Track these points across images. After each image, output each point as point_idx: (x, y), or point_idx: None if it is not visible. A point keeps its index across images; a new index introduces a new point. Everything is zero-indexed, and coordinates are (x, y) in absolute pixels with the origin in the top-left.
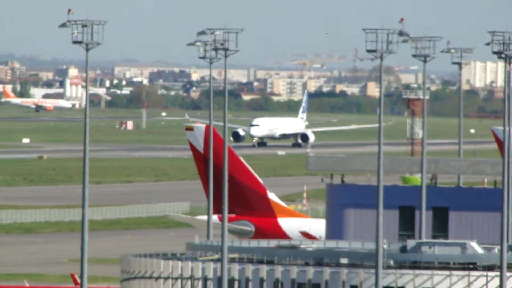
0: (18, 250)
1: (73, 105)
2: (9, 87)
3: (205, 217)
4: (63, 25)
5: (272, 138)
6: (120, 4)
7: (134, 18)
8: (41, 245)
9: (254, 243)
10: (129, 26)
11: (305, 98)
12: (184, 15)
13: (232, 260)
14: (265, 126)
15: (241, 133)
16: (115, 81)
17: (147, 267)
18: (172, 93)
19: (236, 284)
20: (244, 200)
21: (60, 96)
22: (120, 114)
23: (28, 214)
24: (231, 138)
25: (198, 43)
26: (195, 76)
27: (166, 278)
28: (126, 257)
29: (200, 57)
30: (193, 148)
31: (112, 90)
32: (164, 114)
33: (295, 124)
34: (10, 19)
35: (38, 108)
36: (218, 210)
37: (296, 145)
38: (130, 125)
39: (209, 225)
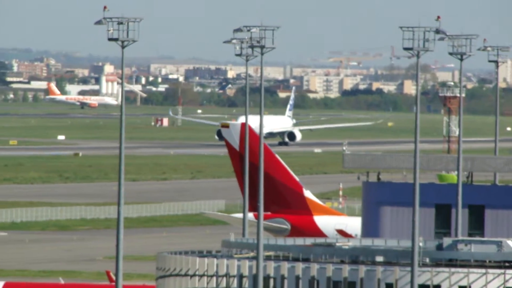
0: (54, 247)
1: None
2: (53, 85)
3: (240, 215)
4: (99, 22)
5: None
6: (156, 1)
7: (170, 15)
8: (77, 243)
9: (290, 241)
10: (165, 23)
11: (292, 95)
12: (221, 13)
13: (267, 258)
14: (252, 124)
15: None
16: (151, 78)
17: (182, 264)
18: (208, 90)
19: (271, 281)
20: (280, 197)
21: (96, 93)
22: (156, 111)
23: (63, 211)
24: (216, 136)
25: (234, 41)
26: (231, 74)
27: (201, 276)
28: (162, 255)
29: (236, 55)
30: (228, 146)
31: (147, 87)
32: (199, 111)
33: (282, 122)
34: (46, 16)
35: (83, 105)
36: (253, 207)
37: (282, 143)
38: (165, 122)
39: (245, 223)
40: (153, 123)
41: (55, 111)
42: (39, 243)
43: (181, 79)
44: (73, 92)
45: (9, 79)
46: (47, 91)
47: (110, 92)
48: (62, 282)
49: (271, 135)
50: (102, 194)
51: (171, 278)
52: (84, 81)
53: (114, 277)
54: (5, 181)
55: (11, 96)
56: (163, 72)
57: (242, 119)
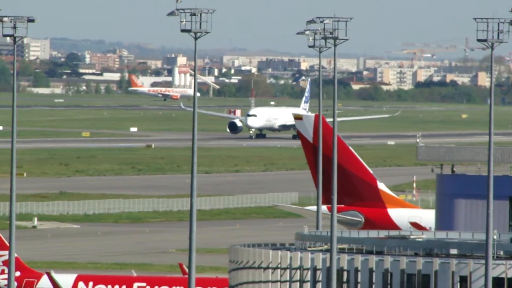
0: (126, 239)
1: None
2: (136, 77)
3: (314, 207)
4: (171, 14)
5: (271, 129)
6: None
7: (243, 7)
8: (149, 235)
9: (363, 234)
10: (238, 14)
11: (308, 87)
12: (294, 4)
13: (341, 251)
14: (263, 116)
15: (238, 123)
16: (224, 70)
17: (255, 257)
18: (281, 82)
19: (345, 274)
20: (353, 190)
21: (169, 84)
22: (229, 103)
23: (136, 204)
24: (227, 129)
25: (307, 32)
26: (304, 65)
27: (274, 268)
28: (235, 247)
29: (309, 46)
30: (302, 137)
31: (220, 78)
32: (272, 103)
33: None
34: (118, 8)
35: (165, 97)
36: (327, 200)
37: (296, 136)
38: (238, 113)
39: (318, 216)
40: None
41: (127, 103)
42: (111, 236)
43: (254, 70)
44: (145, 83)
45: (81, 70)
46: (120, 83)
47: (182, 84)
48: (135, 274)
49: (284, 127)
50: (175, 186)
51: (244, 270)
52: (157, 72)
53: (187, 270)
54: (78, 173)
55: (84, 87)
56: (236, 63)
57: (254, 111)
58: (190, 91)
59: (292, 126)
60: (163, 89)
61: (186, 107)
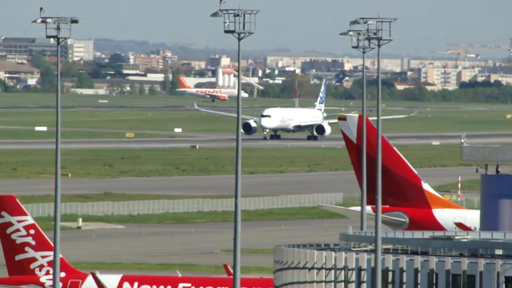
0: (171, 240)
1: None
2: (184, 78)
3: (358, 208)
4: (215, 15)
5: (286, 130)
6: None
7: (287, 8)
8: (194, 235)
9: (408, 234)
10: (282, 15)
11: (323, 87)
12: (337, 4)
13: (386, 251)
14: (277, 117)
15: (253, 124)
16: (267, 71)
17: (300, 257)
18: None
19: (390, 275)
20: (398, 190)
21: (212, 85)
22: (273, 104)
23: (180, 204)
24: (242, 130)
25: (351, 33)
26: (347, 66)
27: (319, 269)
28: (279, 248)
29: (353, 47)
30: (346, 138)
31: (264, 79)
32: (316, 103)
33: (311, 115)
34: (162, 9)
35: (213, 98)
36: (371, 200)
37: (311, 137)
38: None
39: (363, 216)
40: None
41: (171, 104)
42: (156, 236)
43: (298, 71)
44: (189, 84)
45: (125, 71)
46: (163, 84)
47: (226, 85)
48: (180, 275)
49: (299, 128)
50: (219, 186)
51: (289, 271)
52: (201, 73)
53: (231, 270)
54: (122, 173)
55: (128, 88)
56: (280, 64)
57: (268, 111)
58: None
59: (307, 126)
60: (211, 90)
61: (199, 108)
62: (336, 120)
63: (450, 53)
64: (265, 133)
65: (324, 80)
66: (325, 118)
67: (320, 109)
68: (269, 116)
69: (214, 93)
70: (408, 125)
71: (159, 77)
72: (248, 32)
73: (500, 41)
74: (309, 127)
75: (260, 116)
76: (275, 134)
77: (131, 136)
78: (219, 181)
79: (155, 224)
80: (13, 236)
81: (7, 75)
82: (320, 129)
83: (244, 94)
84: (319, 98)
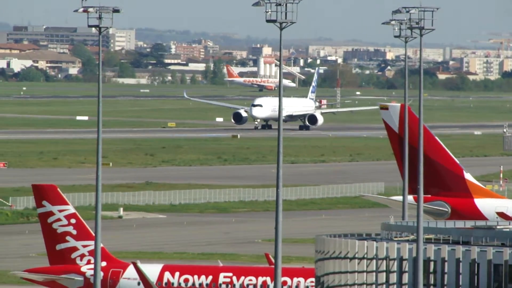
0: (212, 229)
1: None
2: (232, 67)
3: (400, 198)
4: (257, 4)
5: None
6: None
7: None
8: (235, 225)
9: (450, 224)
10: (324, 4)
11: (315, 76)
12: None
13: (427, 241)
14: (269, 106)
15: (243, 114)
16: (309, 60)
17: (341, 247)
18: (367, 72)
19: (431, 264)
20: (439, 180)
21: (254, 75)
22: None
23: (222, 194)
24: (232, 120)
25: (393, 22)
26: (390, 55)
27: (360, 259)
28: (321, 237)
29: (395, 36)
30: (388, 128)
31: (306, 69)
32: (358, 93)
33: (303, 104)
34: None
35: (261, 87)
36: (413, 190)
37: (303, 127)
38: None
39: (404, 206)
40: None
41: (213, 93)
42: (197, 226)
43: (339, 61)
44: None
45: (167, 61)
46: (205, 73)
47: (268, 74)
48: (221, 264)
49: (291, 118)
50: (261, 176)
51: (330, 261)
52: (242, 63)
53: (272, 260)
54: (164, 163)
55: (169, 78)
56: (322, 54)
57: (259, 101)
58: (286, 82)
59: (299, 116)
60: (259, 79)
61: (189, 97)
62: (328, 110)
63: (492, 42)
64: (256, 123)
65: (316, 68)
66: (317, 108)
67: (312, 99)
68: (260, 105)
69: (262, 83)
70: (450, 114)
71: (201, 66)
72: (290, 21)
73: None
74: (301, 116)
75: (251, 105)
76: (267, 124)
77: (172, 125)
78: (261, 171)
79: (196, 213)
80: (54, 226)
81: (49, 64)
82: (312, 119)
83: (291, 84)
84: (311, 87)
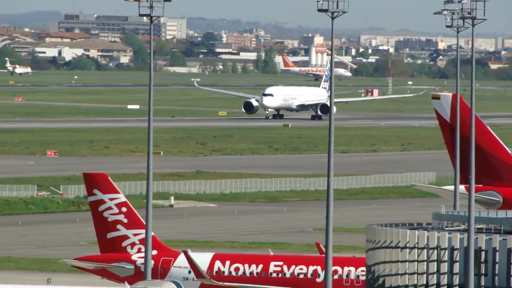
0: (263, 219)
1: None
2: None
3: (451, 187)
4: None
5: (289, 109)
6: None
7: None
8: (286, 214)
9: (501, 214)
10: None
11: (328, 65)
12: None
13: (479, 231)
14: (280, 95)
15: (254, 103)
16: (361, 50)
17: (392, 236)
18: (419, 61)
19: (482, 254)
20: (491, 170)
21: (306, 64)
22: (366, 83)
23: (272, 183)
24: (243, 109)
25: (445, 12)
26: (441, 45)
27: (411, 248)
28: (372, 227)
29: (447, 26)
30: (439, 117)
31: (357, 58)
32: (410, 82)
33: (316, 93)
34: None
35: (316, 76)
36: (465, 180)
37: (315, 117)
38: (376, 93)
39: (456, 195)
40: (363, 95)
41: (264, 82)
42: (248, 215)
43: (391, 50)
44: (281, 63)
45: (218, 50)
46: (256, 62)
47: (319, 64)
48: (272, 253)
49: (302, 107)
50: (312, 165)
51: (381, 250)
52: (294, 52)
53: (323, 249)
54: (215, 152)
55: (220, 67)
56: (373, 43)
57: (270, 90)
58: (341, 71)
59: (311, 106)
60: (314, 68)
61: (199, 86)
62: (341, 100)
63: None
64: (267, 112)
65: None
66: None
67: (325, 88)
68: (271, 94)
69: (317, 72)
70: (502, 104)
71: (252, 55)
72: (341, 10)
73: None
74: (313, 106)
75: (261, 95)
76: (278, 113)
77: (223, 114)
78: (312, 160)
79: (247, 202)
80: (105, 214)
81: (100, 53)
82: (324, 108)
83: (347, 73)
84: (324, 76)
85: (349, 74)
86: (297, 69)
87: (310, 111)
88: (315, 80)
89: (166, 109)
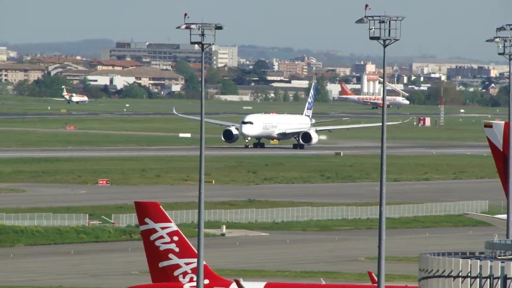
0: (315, 247)
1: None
2: (345, 85)
3: (504, 216)
4: (360, 21)
5: (270, 137)
6: (416, 1)
7: (433, 14)
8: (338, 243)
9: None
10: (427, 22)
11: (311, 92)
12: (482, 11)
13: None
14: (260, 123)
15: (234, 131)
16: (413, 77)
17: (445, 265)
18: (471, 89)
19: None
20: None
21: (357, 92)
22: (418, 111)
23: (324, 211)
24: (222, 138)
25: (497, 39)
26: (493, 72)
27: (464, 277)
28: (424, 256)
29: (499, 53)
30: (491, 145)
31: (409, 86)
32: (462, 110)
33: (298, 121)
34: (307, 16)
35: (374, 105)
36: None
37: (297, 146)
38: (427, 121)
39: (509, 224)
40: (415, 123)
41: (315, 111)
42: (300, 244)
43: (443, 78)
44: (334, 91)
45: (269, 78)
46: (308, 90)
47: (371, 91)
48: (324, 282)
49: (284, 136)
50: (364, 194)
51: (434, 279)
52: (346, 80)
53: (375, 278)
54: (266, 180)
55: (272, 95)
56: (425, 71)
57: (250, 118)
58: (399, 99)
59: (293, 134)
60: (372, 96)
61: (179, 114)
62: (323, 128)
63: None
64: (246, 141)
65: (313, 84)
66: (313, 125)
67: (308, 115)
68: (250, 122)
69: (375, 100)
70: None
71: (304, 83)
72: (393, 38)
73: None
74: (295, 134)
75: (241, 123)
76: (259, 142)
77: (275, 143)
78: (364, 188)
79: (299, 231)
80: (157, 243)
81: (152, 81)
82: (306, 137)
83: (405, 102)
84: (307, 104)
85: (407, 102)
86: (355, 97)
87: (291, 140)
88: (373, 108)
89: (218, 138)
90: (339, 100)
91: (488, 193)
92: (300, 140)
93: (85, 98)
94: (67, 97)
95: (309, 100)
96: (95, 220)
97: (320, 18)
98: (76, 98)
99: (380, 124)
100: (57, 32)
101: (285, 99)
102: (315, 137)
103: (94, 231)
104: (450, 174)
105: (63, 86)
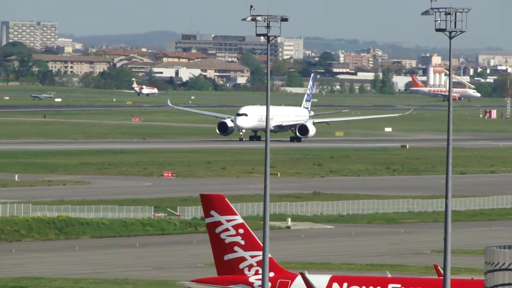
0: (380, 240)
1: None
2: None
3: None
4: (425, 13)
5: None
6: None
7: (499, 6)
8: (404, 236)
9: None
10: (494, 14)
11: (311, 82)
12: None
13: None
14: (255, 115)
15: (229, 124)
16: (479, 70)
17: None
18: None
19: None
20: None
21: (424, 84)
22: (484, 103)
23: (390, 204)
24: (217, 130)
25: None
26: None
27: None
28: (490, 249)
29: None
30: None
31: (475, 78)
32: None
33: (295, 113)
34: (373, 9)
35: (445, 97)
36: None
37: (294, 139)
38: (494, 114)
39: None
40: (481, 115)
41: (382, 103)
42: (365, 236)
43: (509, 70)
44: (400, 83)
45: (335, 70)
46: (373, 82)
47: (437, 83)
48: (389, 275)
49: (280, 128)
50: (430, 186)
51: (500, 272)
52: (411, 72)
53: (441, 271)
54: (332, 173)
55: (337, 87)
56: (492, 63)
57: (244, 109)
58: (470, 91)
59: (290, 126)
60: (444, 89)
61: (173, 105)
62: (321, 120)
63: None
64: (241, 133)
65: (312, 74)
66: (312, 117)
67: (307, 107)
68: (245, 114)
69: (446, 93)
70: None
71: (369, 75)
72: (459, 30)
73: None
74: (292, 127)
75: (235, 114)
76: (255, 134)
77: (340, 135)
78: (430, 181)
79: (365, 224)
80: (222, 236)
81: (217, 73)
82: (303, 129)
83: (476, 94)
84: (305, 96)
85: (479, 94)
86: (426, 89)
87: (289, 132)
88: (444, 100)
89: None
90: (409, 92)
91: None
92: (297, 133)
93: (155, 91)
94: (137, 89)
95: (307, 91)
96: (161, 213)
97: (386, 9)
98: (146, 90)
99: (377, 116)
100: (123, 24)
101: (351, 91)
102: (312, 130)
103: (159, 224)
104: None
105: (133, 79)
